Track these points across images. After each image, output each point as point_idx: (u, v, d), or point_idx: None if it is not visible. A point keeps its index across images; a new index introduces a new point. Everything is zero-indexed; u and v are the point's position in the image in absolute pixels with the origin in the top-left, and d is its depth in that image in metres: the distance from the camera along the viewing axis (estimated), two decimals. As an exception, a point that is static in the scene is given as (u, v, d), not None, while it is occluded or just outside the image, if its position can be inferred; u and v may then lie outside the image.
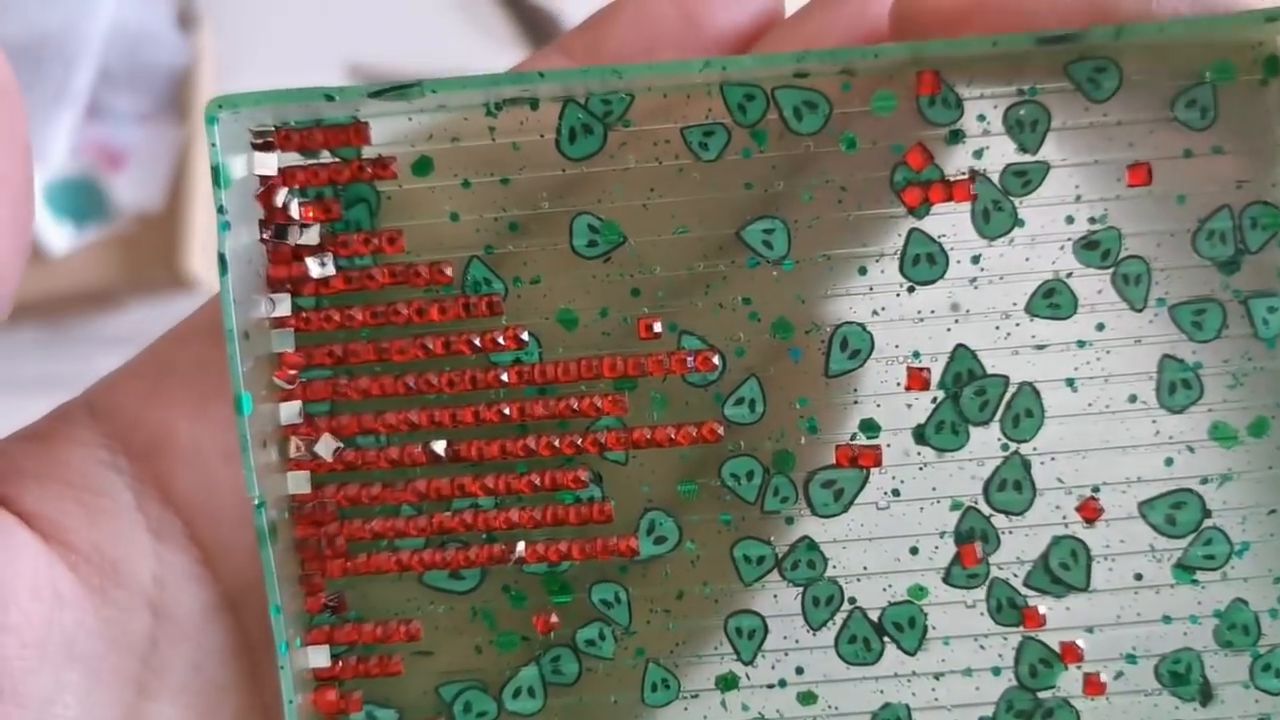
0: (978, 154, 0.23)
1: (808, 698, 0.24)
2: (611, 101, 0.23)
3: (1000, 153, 0.23)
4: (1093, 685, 0.24)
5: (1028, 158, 0.23)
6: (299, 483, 0.23)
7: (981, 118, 0.23)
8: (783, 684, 0.24)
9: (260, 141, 0.23)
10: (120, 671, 0.22)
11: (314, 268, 0.23)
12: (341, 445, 0.23)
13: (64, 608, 0.22)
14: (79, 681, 0.22)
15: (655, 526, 0.24)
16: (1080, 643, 0.24)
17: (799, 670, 0.24)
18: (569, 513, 0.23)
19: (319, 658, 0.24)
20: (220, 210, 0.22)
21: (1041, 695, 0.24)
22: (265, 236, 0.23)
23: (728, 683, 0.24)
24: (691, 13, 0.24)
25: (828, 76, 0.23)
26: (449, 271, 0.23)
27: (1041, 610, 0.23)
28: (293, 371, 0.23)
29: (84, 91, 0.64)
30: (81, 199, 0.65)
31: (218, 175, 0.22)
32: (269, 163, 0.23)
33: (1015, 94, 0.23)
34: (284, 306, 0.23)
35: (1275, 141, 0.23)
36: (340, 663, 0.24)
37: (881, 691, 0.24)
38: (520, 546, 0.23)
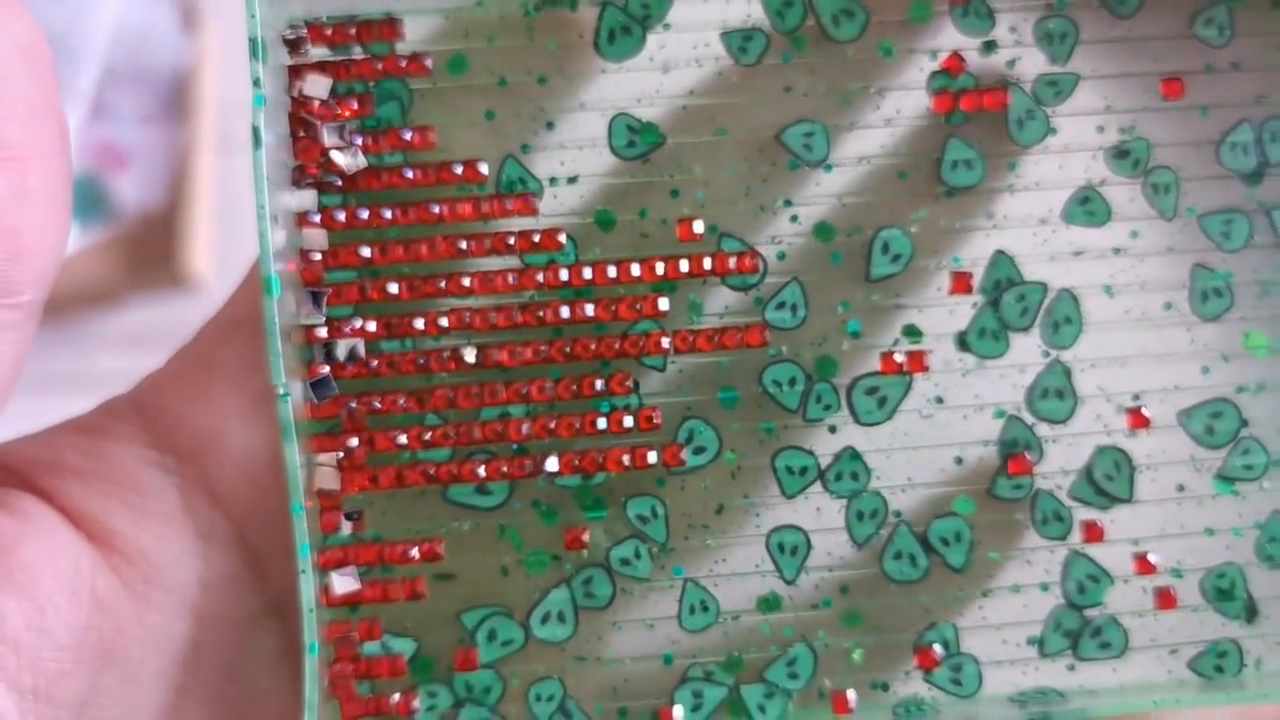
0: (1010, 64, 0.23)
1: (853, 619, 0.23)
2: (650, 5, 0.23)
3: (1032, 63, 0.23)
4: (1166, 599, 0.23)
5: (1058, 68, 0.23)
6: (322, 388, 0.22)
7: (1013, 29, 0.23)
8: (827, 604, 0.23)
9: (293, 37, 0.22)
10: (160, 675, 0.21)
11: (341, 158, 0.22)
12: (361, 348, 0.22)
13: (103, 612, 0.21)
14: (116, 685, 0.21)
15: (694, 436, 0.23)
16: (1153, 557, 0.23)
17: (843, 590, 0.23)
18: (609, 421, 0.22)
19: (340, 581, 0.22)
20: (256, 83, 0.21)
21: (1089, 613, 0.23)
22: (294, 130, 0.22)
23: (770, 604, 0.23)
24: None
25: None
26: (484, 169, 0.22)
27: (1100, 523, 0.23)
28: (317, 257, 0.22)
29: (88, 92, 0.63)
30: (85, 199, 0.64)
31: (255, 48, 0.21)
32: (303, 58, 0.22)
33: (1044, 8, 0.23)
34: (308, 200, 0.22)
35: None
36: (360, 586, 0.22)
37: (928, 610, 0.23)
38: (552, 459, 0.22)
